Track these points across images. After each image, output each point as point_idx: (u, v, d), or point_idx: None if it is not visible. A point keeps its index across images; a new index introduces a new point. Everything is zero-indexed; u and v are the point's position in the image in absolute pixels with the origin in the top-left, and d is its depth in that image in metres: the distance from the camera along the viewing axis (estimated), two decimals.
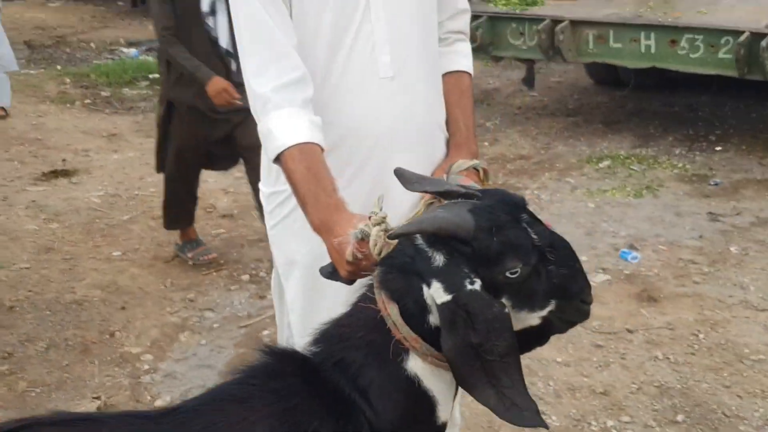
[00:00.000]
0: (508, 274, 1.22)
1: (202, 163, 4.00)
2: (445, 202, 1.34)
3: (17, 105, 7.32)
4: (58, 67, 9.15)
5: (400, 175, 1.41)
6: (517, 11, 6.05)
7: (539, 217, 1.34)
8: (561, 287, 1.30)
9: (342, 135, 1.63)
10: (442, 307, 1.19)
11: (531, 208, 1.32)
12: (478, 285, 1.20)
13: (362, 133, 1.64)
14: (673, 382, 3.02)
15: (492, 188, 1.39)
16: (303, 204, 1.47)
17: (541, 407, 2.76)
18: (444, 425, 1.33)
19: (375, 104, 1.64)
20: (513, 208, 1.28)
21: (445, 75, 1.86)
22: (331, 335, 1.27)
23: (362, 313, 1.26)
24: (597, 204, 4.89)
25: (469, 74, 1.90)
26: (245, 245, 4.45)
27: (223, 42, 3.61)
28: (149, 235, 4.56)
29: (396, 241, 1.24)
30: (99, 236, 4.52)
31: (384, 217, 1.29)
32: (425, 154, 1.75)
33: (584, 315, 1.38)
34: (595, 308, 3.30)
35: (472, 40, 6.20)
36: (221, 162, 4.10)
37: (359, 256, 1.29)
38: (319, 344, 1.26)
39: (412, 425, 1.28)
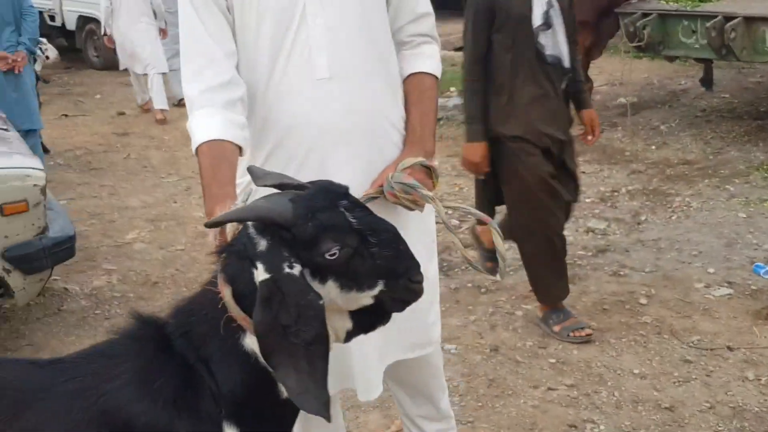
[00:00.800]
0: (327, 255, 1.31)
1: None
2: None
3: None
4: None
5: (251, 172, 1.52)
6: (688, 8, 5.71)
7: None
8: (386, 268, 1.36)
9: (283, 133, 1.79)
10: (261, 285, 1.29)
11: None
12: (297, 270, 1.29)
13: (301, 130, 1.78)
14: (753, 405, 2.78)
15: (318, 180, 1.47)
16: (203, 195, 1.65)
17: (595, 416, 2.75)
18: (288, 401, 1.39)
19: (312, 104, 1.77)
20: (332, 195, 1.36)
21: (409, 76, 1.94)
22: (184, 310, 1.43)
23: (208, 293, 1.39)
24: (749, 214, 4.51)
25: (433, 75, 1.96)
26: None
27: (565, 62, 3.15)
28: None
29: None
30: None
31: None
32: (369, 150, 1.83)
33: (415, 293, 1.43)
34: (701, 323, 3.16)
35: (638, 38, 5.97)
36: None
37: (217, 244, 1.44)
38: (174, 317, 1.43)
39: (253, 398, 1.39)
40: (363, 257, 1.34)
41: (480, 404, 2.93)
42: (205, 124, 1.65)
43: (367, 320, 1.42)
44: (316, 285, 1.33)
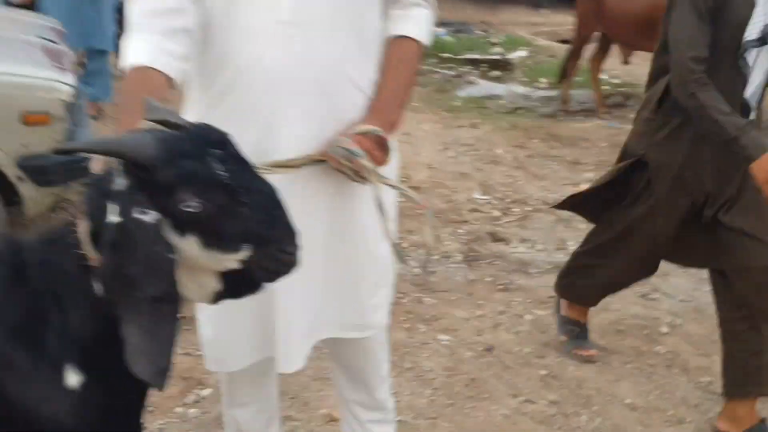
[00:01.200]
0: (184, 208, 1.19)
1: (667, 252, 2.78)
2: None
3: None
4: None
5: (147, 104, 1.40)
6: None
7: None
8: (255, 233, 1.24)
9: (235, 75, 1.66)
10: (109, 228, 1.19)
11: None
12: (150, 217, 1.18)
13: (252, 74, 1.65)
14: None
15: (200, 122, 1.33)
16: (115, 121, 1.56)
17: None
18: None
19: (268, 46, 1.64)
20: (205, 141, 1.24)
21: (392, 39, 1.79)
22: (46, 237, 1.34)
23: (71, 224, 1.29)
24: None
25: (416, 41, 1.80)
26: None
27: (752, 86, 2.43)
28: None
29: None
30: None
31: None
32: (322, 106, 1.69)
33: (285, 265, 1.31)
34: (718, 364, 2.88)
35: None
36: (688, 255, 2.75)
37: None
38: (36, 242, 1.35)
39: (101, 345, 1.29)
40: (229, 216, 1.22)
41: (450, 402, 2.78)
42: (138, 48, 1.55)
43: (236, 285, 1.31)
44: (175, 237, 1.22)
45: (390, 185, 1.73)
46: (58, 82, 3.27)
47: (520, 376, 2.96)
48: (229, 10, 1.64)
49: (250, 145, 1.63)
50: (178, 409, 2.69)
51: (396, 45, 1.79)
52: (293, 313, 1.78)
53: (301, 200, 1.69)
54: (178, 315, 1.24)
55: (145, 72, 1.53)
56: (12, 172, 3.19)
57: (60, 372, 1.30)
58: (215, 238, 1.23)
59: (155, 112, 1.30)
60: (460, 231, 4.39)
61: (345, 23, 1.69)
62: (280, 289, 1.71)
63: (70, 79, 3.37)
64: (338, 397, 2.16)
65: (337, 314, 1.87)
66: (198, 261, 1.25)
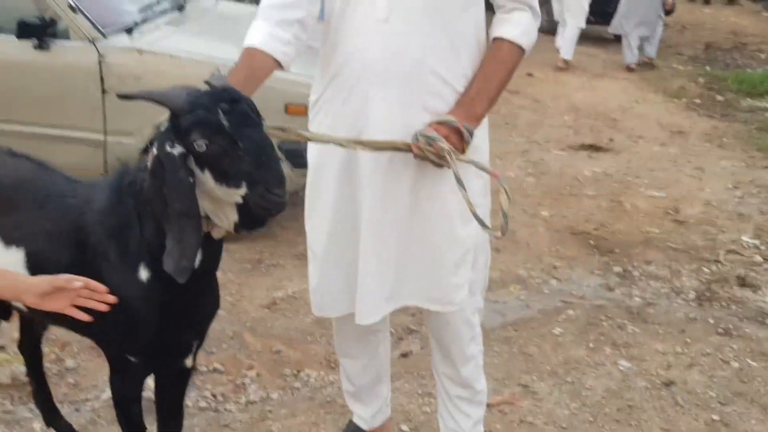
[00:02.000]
0: (194, 146, 1.50)
1: None
2: None
3: (624, 87, 8.10)
4: (707, 68, 9.40)
5: (212, 74, 1.68)
6: None
7: None
8: (248, 173, 1.50)
9: (340, 65, 1.93)
10: (152, 157, 1.56)
11: None
12: (177, 151, 1.51)
13: (351, 66, 1.90)
14: None
15: (224, 85, 1.59)
16: None
17: None
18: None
19: (367, 41, 1.87)
20: (218, 97, 1.52)
21: (492, 40, 1.94)
22: (143, 165, 1.72)
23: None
24: None
25: (512, 43, 1.91)
26: None
27: None
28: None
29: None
30: (562, 203, 5.01)
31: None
32: (408, 96, 1.88)
33: (273, 205, 1.53)
34: None
35: None
36: None
37: None
38: (134, 169, 1.74)
39: (163, 249, 1.61)
40: (229, 158, 1.51)
41: (591, 419, 2.72)
42: (253, 34, 1.91)
43: (247, 218, 1.59)
44: (196, 171, 1.54)
45: (465, 161, 1.86)
46: None
47: (686, 416, 2.75)
48: (342, 9, 1.92)
49: (347, 121, 1.93)
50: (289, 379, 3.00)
51: (495, 46, 1.94)
52: (371, 276, 2.00)
53: (385, 180, 1.94)
54: (200, 229, 1.56)
55: (253, 52, 1.88)
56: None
57: (136, 267, 1.71)
58: (221, 175, 1.53)
59: (214, 79, 1.64)
60: (705, 270, 4.08)
61: (435, 23, 1.87)
62: (362, 256, 1.97)
63: None
64: (432, 368, 2.30)
65: (420, 286, 2.05)
66: (215, 193, 1.56)
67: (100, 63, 3.71)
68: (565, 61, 8.74)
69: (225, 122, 1.51)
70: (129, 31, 3.89)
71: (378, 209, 1.96)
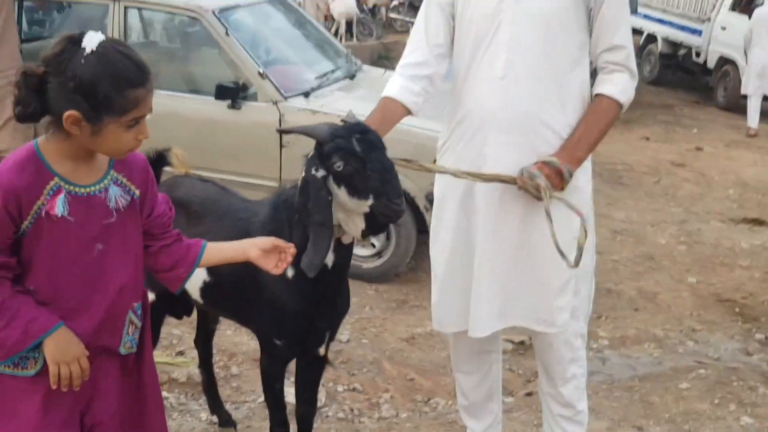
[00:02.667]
0: (335, 167, 1.91)
1: None
2: None
3: None
4: None
5: (348, 114, 2.09)
6: None
7: None
8: (374, 187, 1.88)
9: (463, 115, 2.29)
10: (301, 179, 1.99)
11: None
12: (320, 173, 1.93)
13: (472, 115, 2.25)
14: None
15: (355, 120, 2.00)
16: None
17: None
18: (326, 266, 2.04)
19: (485, 96, 2.22)
20: (353, 130, 1.92)
21: (594, 96, 2.24)
22: (295, 185, 2.14)
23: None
24: None
25: (611, 98, 2.20)
26: None
27: None
28: None
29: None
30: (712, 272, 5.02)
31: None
32: (521, 142, 2.19)
33: (394, 213, 1.90)
34: None
35: None
36: None
37: None
38: (288, 189, 2.18)
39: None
40: (360, 175, 1.91)
41: None
42: (388, 86, 2.33)
43: (372, 225, 1.98)
44: (333, 187, 1.95)
45: (557, 198, 2.15)
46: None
47: None
48: (467, 68, 2.29)
49: (468, 161, 2.29)
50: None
51: (596, 101, 2.24)
52: (483, 296, 2.31)
53: (498, 212, 2.27)
54: (331, 236, 1.97)
55: (388, 101, 2.31)
56: (422, 203, 4.21)
57: None
58: (354, 189, 1.93)
59: (348, 117, 2.06)
60: None
61: (545, 79, 2.20)
62: (476, 277, 2.29)
63: None
64: (539, 386, 2.53)
65: (527, 308, 2.32)
66: (347, 205, 1.95)
67: (280, 121, 4.32)
68: (752, 129, 9.22)
69: (357, 147, 1.92)
70: (306, 94, 4.50)
71: (490, 237, 2.27)
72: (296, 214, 2.04)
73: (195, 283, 2.36)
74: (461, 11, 2.30)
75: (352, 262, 4.11)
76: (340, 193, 1.96)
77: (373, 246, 4.44)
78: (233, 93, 4.36)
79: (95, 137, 1.57)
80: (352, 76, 5.04)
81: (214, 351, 3.04)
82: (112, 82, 1.52)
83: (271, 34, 5.11)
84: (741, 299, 4.52)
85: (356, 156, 1.92)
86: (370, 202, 1.92)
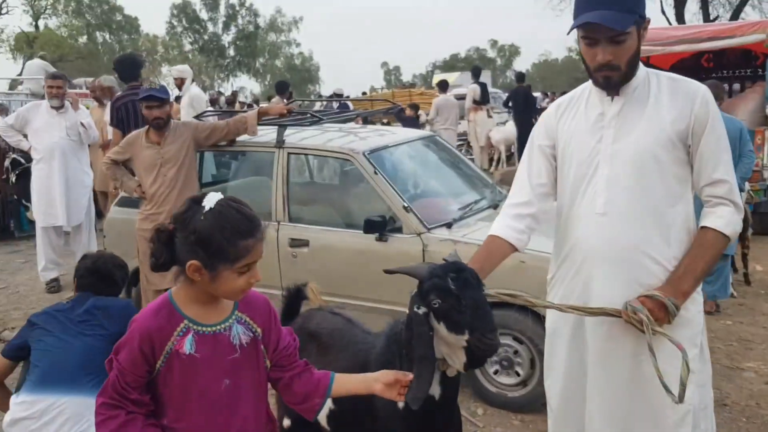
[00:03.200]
0: (432, 304, 2.04)
1: None
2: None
3: None
4: None
5: (451, 255, 2.22)
6: None
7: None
8: (469, 323, 2.00)
9: (568, 249, 2.38)
10: (408, 314, 2.13)
11: None
12: (422, 311, 2.08)
13: (577, 250, 2.34)
14: None
15: (454, 261, 2.11)
16: None
17: None
18: (432, 397, 2.17)
19: (588, 232, 2.31)
20: (449, 269, 2.06)
21: (699, 228, 2.27)
22: (401, 322, 2.30)
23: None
24: None
25: (716, 231, 2.21)
26: None
27: None
28: None
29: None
30: None
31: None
32: (625, 275, 2.24)
33: (488, 347, 2.00)
34: None
35: None
36: None
37: None
38: (392, 325, 2.33)
39: None
40: (455, 312, 2.05)
41: None
42: (495, 224, 2.48)
43: (472, 358, 2.09)
44: (434, 323, 2.10)
45: (659, 332, 2.16)
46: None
47: None
48: (570, 204, 2.43)
49: (575, 294, 2.37)
50: None
51: (701, 233, 2.28)
52: (592, 426, 2.32)
53: (606, 345, 2.32)
54: (433, 370, 2.09)
55: (493, 238, 2.45)
56: None
57: None
58: (451, 325, 2.06)
59: (450, 257, 2.22)
60: None
61: (644, 214, 2.27)
62: (588, 412, 2.32)
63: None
64: None
65: None
66: (448, 339, 2.08)
67: (423, 251, 4.54)
68: None
69: (452, 285, 2.07)
70: (449, 225, 4.71)
71: (600, 370, 2.30)
72: (404, 347, 2.18)
73: (323, 411, 2.55)
74: (562, 153, 2.45)
75: (498, 390, 4.18)
76: (440, 329, 2.09)
77: (518, 374, 4.44)
78: (380, 226, 4.65)
79: (213, 283, 1.83)
80: (495, 206, 5.22)
81: None
82: (224, 234, 1.79)
83: (418, 170, 5.44)
84: None
85: (451, 293, 2.06)
86: (466, 336, 2.04)
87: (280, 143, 5.19)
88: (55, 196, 6.95)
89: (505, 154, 15.13)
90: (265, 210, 5.17)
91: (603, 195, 2.32)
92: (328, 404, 2.51)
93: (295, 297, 2.96)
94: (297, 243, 4.97)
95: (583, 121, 2.40)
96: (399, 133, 5.91)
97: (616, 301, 2.27)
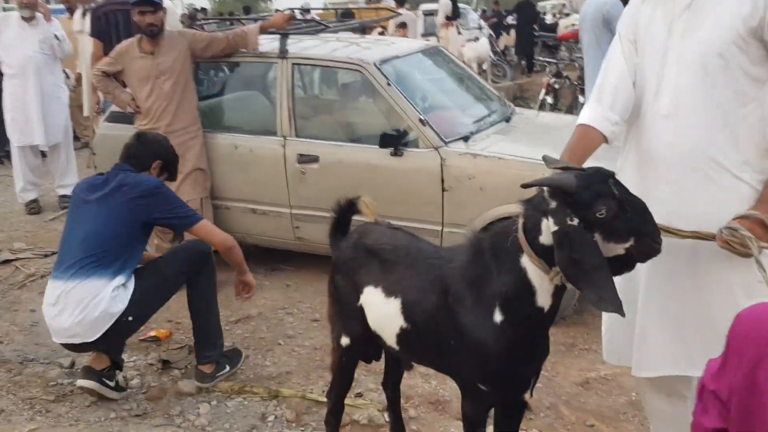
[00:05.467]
0: (597, 214, 1.88)
1: None
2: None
3: None
4: None
5: (545, 159, 2.07)
6: None
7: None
8: (636, 228, 1.88)
9: (636, 147, 2.29)
10: (554, 234, 1.92)
11: None
12: (576, 222, 1.89)
13: (644, 149, 2.25)
14: None
15: (592, 166, 1.98)
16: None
17: None
18: (542, 309, 2.05)
19: (652, 133, 2.21)
20: (604, 176, 1.92)
21: None
22: (494, 231, 2.16)
23: (513, 223, 2.08)
24: None
25: None
26: None
27: None
28: None
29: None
30: None
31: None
32: (689, 180, 2.15)
33: (655, 251, 1.92)
34: None
35: None
36: None
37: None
38: (489, 235, 2.18)
39: (517, 298, 2.06)
40: (621, 219, 1.91)
41: None
42: (587, 113, 2.32)
43: (617, 266, 1.98)
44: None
45: (767, 247, 2.06)
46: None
47: None
48: (640, 104, 2.29)
49: (641, 197, 2.23)
50: None
51: None
52: (650, 337, 2.27)
53: (678, 259, 2.19)
54: (611, 274, 1.93)
55: (587, 129, 2.30)
56: None
57: (491, 311, 2.14)
58: (612, 234, 1.92)
59: (555, 162, 2.07)
60: None
61: (709, 116, 2.14)
62: (641, 317, 2.24)
63: None
64: None
65: (703, 356, 2.20)
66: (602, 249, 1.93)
67: (441, 166, 4.40)
68: None
69: (616, 192, 1.92)
70: (466, 139, 4.56)
71: (656, 278, 2.22)
72: (563, 271, 1.96)
73: (391, 329, 2.43)
74: (640, 45, 2.30)
75: None
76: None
77: None
78: (396, 140, 4.47)
79: None
80: (507, 119, 5.07)
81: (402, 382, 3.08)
82: None
83: (428, 83, 5.23)
84: None
85: (617, 200, 1.91)
86: (629, 243, 1.93)
87: (283, 53, 4.92)
88: (32, 113, 6.57)
89: (477, 71, 14.92)
90: (270, 125, 4.95)
91: (668, 95, 2.19)
92: (399, 322, 2.39)
93: (346, 212, 2.78)
94: (306, 159, 4.77)
95: (660, 9, 2.24)
96: (403, 43, 5.66)
97: (676, 206, 2.15)
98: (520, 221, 2.06)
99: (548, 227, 1.96)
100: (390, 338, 2.45)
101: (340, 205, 2.80)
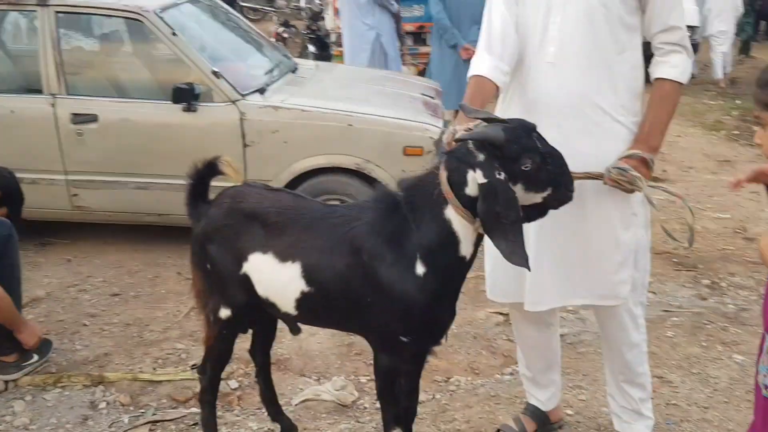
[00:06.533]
0: (523, 167, 1.96)
1: None
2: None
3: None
4: (737, 102, 9.91)
5: (463, 108, 2.16)
6: None
7: None
8: (555, 179, 2.00)
9: (521, 95, 2.41)
10: (481, 186, 1.97)
11: None
12: (503, 176, 1.96)
13: (530, 97, 2.38)
14: None
15: (515, 118, 2.08)
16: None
17: None
18: (464, 258, 2.12)
19: (538, 81, 2.35)
20: (528, 129, 2.00)
21: (654, 81, 2.36)
22: (410, 185, 2.17)
23: (432, 175, 2.11)
24: None
25: (673, 81, 2.33)
26: None
27: None
28: None
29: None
30: None
31: (463, 129, 2.09)
32: (575, 125, 2.32)
33: (569, 198, 2.07)
34: None
35: None
36: None
37: (444, 141, 2.20)
38: (403, 189, 2.18)
39: (441, 249, 2.10)
40: (542, 171, 1.99)
41: (725, 400, 3.11)
42: (479, 64, 2.37)
43: (533, 214, 2.09)
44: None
45: (654, 186, 2.31)
46: (430, 125, 4.33)
47: None
48: (524, 53, 2.39)
49: None
50: (497, 375, 3.43)
51: (657, 85, 2.37)
52: (544, 272, 2.43)
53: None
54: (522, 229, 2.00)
55: (482, 81, 2.35)
56: None
57: (413, 263, 2.13)
58: (533, 184, 2.00)
59: (475, 112, 2.11)
60: None
61: (593, 64, 2.31)
62: (534, 255, 2.36)
63: (439, 123, 4.42)
64: (606, 377, 2.75)
65: (589, 287, 2.46)
66: (521, 199, 1.99)
67: (241, 120, 4.23)
68: None
69: (539, 145, 1.99)
70: (262, 91, 4.42)
71: (548, 220, 2.38)
72: (483, 222, 2.00)
73: (289, 294, 2.32)
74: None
75: None
76: (517, 190, 2.00)
77: None
78: (190, 95, 4.19)
79: None
80: (293, 70, 5.00)
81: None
82: None
83: (209, 33, 4.95)
84: (674, 251, 4.98)
85: (540, 153, 1.99)
86: (546, 193, 2.03)
87: (43, 1, 4.31)
88: None
89: None
90: (33, 82, 4.34)
91: (554, 44, 2.32)
92: (299, 286, 2.30)
93: (204, 175, 2.56)
94: (82, 119, 4.29)
95: None
96: None
97: (562, 149, 2.17)
98: (443, 173, 2.08)
99: (475, 179, 2.00)
100: (287, 304, 2.34)
101: (198, 169, 2.58)
